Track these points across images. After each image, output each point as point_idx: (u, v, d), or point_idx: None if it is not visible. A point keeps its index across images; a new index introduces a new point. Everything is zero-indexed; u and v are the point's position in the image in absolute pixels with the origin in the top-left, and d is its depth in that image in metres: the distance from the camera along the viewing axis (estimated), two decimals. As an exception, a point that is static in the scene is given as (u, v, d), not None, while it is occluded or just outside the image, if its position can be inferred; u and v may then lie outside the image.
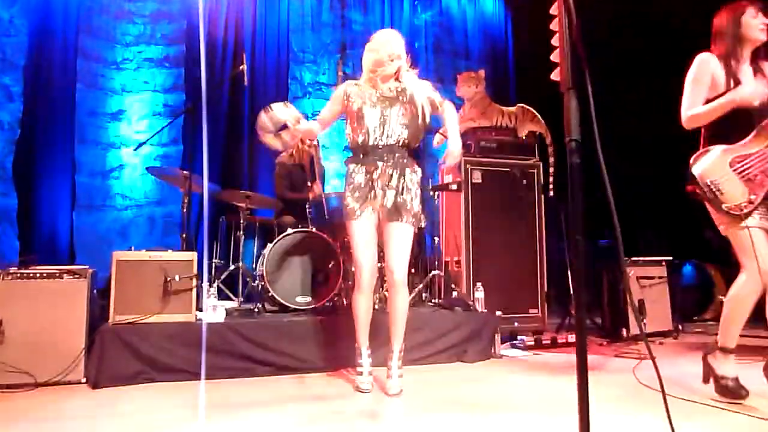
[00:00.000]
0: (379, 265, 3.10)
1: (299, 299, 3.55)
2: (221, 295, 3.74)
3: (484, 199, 4.15)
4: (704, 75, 2.45)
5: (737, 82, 2.40)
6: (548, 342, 3.90)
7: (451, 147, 2.68)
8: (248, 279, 3.84)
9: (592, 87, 1.30)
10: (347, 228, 2.73)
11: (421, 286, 4.01)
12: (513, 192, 4.24)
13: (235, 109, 5.64)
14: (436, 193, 4.54)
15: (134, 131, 5.41)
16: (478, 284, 3.78)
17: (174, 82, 5.59)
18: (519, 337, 4.01)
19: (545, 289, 4.24)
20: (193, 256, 3.11)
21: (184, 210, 3.60)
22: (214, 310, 3.14)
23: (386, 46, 2.69)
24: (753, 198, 2.34)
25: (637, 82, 5.66)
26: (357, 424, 2.20)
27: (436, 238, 4.44)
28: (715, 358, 2.45)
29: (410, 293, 3.02)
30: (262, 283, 3.54)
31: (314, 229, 3.77)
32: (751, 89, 2.36)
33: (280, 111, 2.66)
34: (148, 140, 4.39)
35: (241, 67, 3.81)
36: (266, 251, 3.60)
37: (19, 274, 2.80)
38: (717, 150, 2.42)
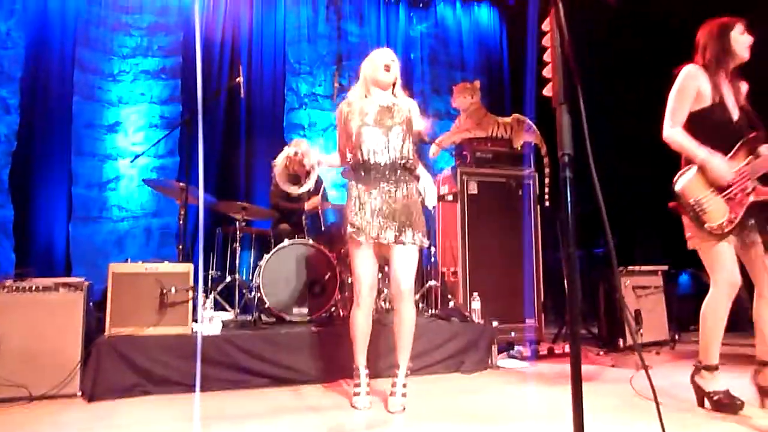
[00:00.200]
0: (378, 275, 3.07)
1: (295, 311, 3.55)
2: (217, 307, 3.73)
3: (480, 209, 4.16)
4: (690, 88, 2.47)
5: (722, 99, 2.44)
6: (545, 352, 3.90)
7: (427, 203, 2.76)
8: (244, 290, 3.83)
9: (586, 97, 1.32)
10: (348, 244, 2.70)
11: (417, 296, 4.01)
12: (509, 202, 4.26)
13: (232, 120, 5.67)
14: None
15: (131, 143, 5.42)
16: (475, 294, 3.80)
17: (170, 93, 5.61)
18: (516, 348, 4.02)
19: (542, 300, 4.24)
20: (189, 267, 3.10)
21: (181, 221, 3.59)
22: (210, 322, 3.14)
23: (387, 53, 2.74)
24: (733, 217, 2.37)
25: (637, 82, 5.65)
26: (354, 436, 2.20)
27: (433, 249, 4.44)
28: (703, 378, 2.47)
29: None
30: (259, 294, 3.54)
31: (311, 240, 3.78)
32: (725, 168, 2.38)
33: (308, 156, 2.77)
34: (144, 152, 4.43)
35: (237, 79, 3.80)
36: (262, 262, 3.60)
37: (15, 287, 2.80)
38: (693, 170, 2.44)
